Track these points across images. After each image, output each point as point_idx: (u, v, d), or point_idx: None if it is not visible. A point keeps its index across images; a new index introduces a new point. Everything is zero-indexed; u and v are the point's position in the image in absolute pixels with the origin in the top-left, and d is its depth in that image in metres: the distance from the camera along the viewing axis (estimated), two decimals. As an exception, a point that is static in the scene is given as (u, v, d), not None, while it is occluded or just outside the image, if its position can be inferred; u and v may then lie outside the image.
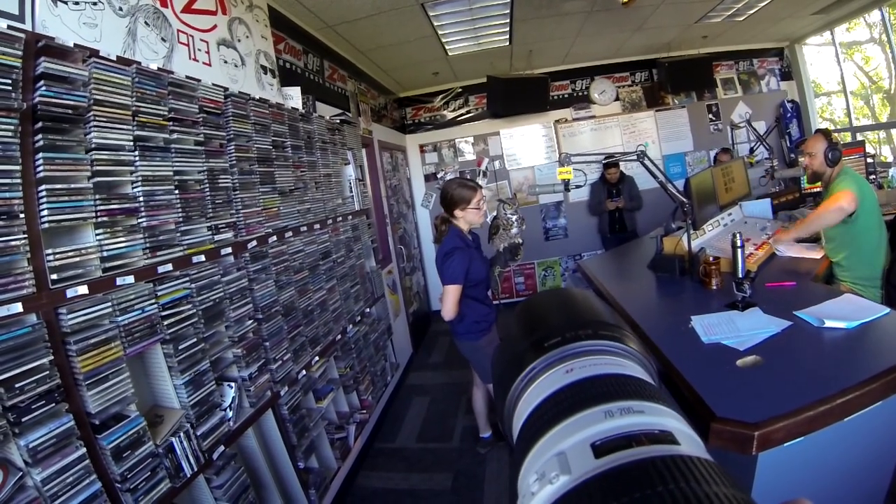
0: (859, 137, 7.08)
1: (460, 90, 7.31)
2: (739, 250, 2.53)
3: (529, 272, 7.43)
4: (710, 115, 7.57)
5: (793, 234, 3.14)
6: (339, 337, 3.25)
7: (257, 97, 2.70)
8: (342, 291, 3.36)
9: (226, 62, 2.68)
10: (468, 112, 7.38)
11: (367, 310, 3.82)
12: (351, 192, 3.89)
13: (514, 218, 3.09)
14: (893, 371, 1.59)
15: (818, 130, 3.23)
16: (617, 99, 7.49)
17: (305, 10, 3.74)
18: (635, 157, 3.23)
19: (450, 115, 7.41)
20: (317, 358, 2.92)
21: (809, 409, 1.47)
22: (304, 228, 3.01)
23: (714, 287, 2.79)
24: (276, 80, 3.20)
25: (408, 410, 4.45)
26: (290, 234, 2.82)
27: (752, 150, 6.17)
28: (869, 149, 7.84)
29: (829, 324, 2.01)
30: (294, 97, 3.28)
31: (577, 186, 3.25)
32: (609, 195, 6.27)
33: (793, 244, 3.42)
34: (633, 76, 7.53)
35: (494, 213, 3.20)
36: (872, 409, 1.54)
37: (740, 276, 2.49)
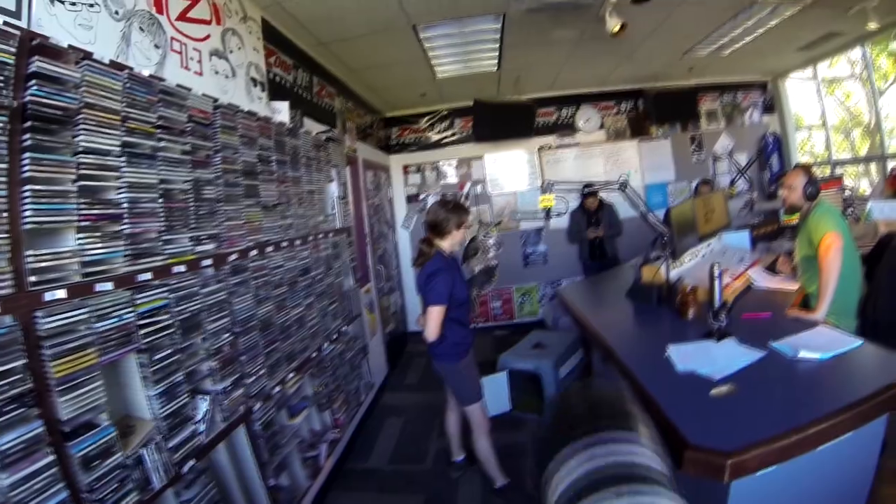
0: (839, 171, 7.41)
1: (446, 112, 7.40)
2: (717, 281, 2.58)
3: (507, 297, 7.42)
4: (693, 146, 7.76)
5: (823, 307, 2.78)
6: (314, 354, 3.25)
7: (246, 109, 2.73)
8: (320, 308, 3.37)
9: (217, 72, 2.71)
10: (453, 135, 7.47)
11: (344, 328, 3.82)
12: (333, 209, 3.91)
13: (491, 242, 3.16)
14: (865, 402, 1.65)
15: (798, 165, 3.33)
16: (601, 127, 7.63)
17: (299, 25, 3.79)
18: (617, 187, 3.31)
19: (435, 137, 7.49)
20: (292, 374, 2.91)
21: (782, 438, 1.52)
22: (286, 244, 3.02)
23: (691, 316, 2.85)
24: (266, 93, 3.24)
25: (381, 430, 4.42)
26: (271, 248, 2.83)
27: (732, 182, 6.36)
28: (848, 181, 8.13)
29: (802, 355, 2.06)
30: (282, 111, 3.31)
31: (559, 214, 3.33)
32: (588, 223, 6.23)
33: (768, 275, 3.53)
34: (619, 105, 7.69)
35: (471, 237, 3.26)
36: (844, 439, 1.60)
37: (717, 306, 2.53)
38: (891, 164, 6.34)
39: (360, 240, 5.38)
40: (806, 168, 3.21)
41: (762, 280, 3.45)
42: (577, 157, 7.49)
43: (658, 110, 7.32)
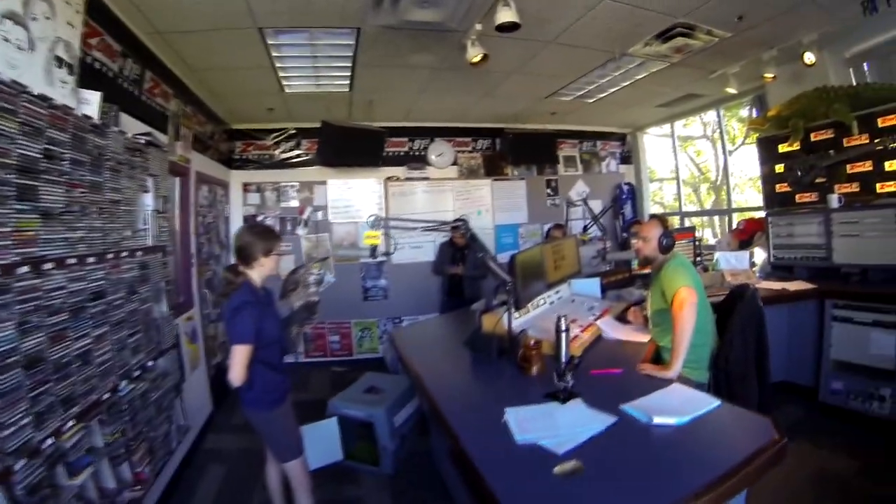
0: (687, 221, 8.36)
1: (294, 131, 7.06)
2: (563, 334, 2.47)
3: (346, 331, 7.19)
4: (549, 190, 8.11)
5: (677, 364, 2.71)
6: (107, 396, 2.71)
7: (37, 93, 2.24)
8: (116, 340, 2.85)
9: (6, 40, 2.18)
10: (298, 156, 7.14)
11: (150, 363, 3.29)
12: (146, 224, 3.41)
13: (311, 278, 2.98)
14: (728, 478, 1.57)
15: (654, 216, 3.42)
16: (455, 163, 7.70)
17: (135, 7, 3.35)
18: (450, 228, 3.26)
19: (280, 157, 7.10)
20: (72, 422, 2.39)
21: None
22: (74, 261, 2.51)
23: (534, 373, 2.67)
24: (74, 77, 2.70)
25: (200, 482, 3.93)
26: (50, 265, 2.32)
27: (585, 228, 6.54)
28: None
29: (657, 420, 1.95)
30: (92, 102, 2.80)
31: (386, 254, 3.13)
32: (453, 258, 6.08)
33: (618, 326, 3.48)
34: (476, 143, 7.86)
35: (292, 269, 3.06)
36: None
37: (564, 362, 2.42)
38: (735, 218, 7.06)
39: (185, 260, 4.83)
40: (661, 219, 3.24)
41: (612, 331, 3.38)
42: (425, 191, 7.51)
43: (515, 151, 7.60)
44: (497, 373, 2.85)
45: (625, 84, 5.85)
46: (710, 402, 2.11)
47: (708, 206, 10.40)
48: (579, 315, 3.62)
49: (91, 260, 2.67)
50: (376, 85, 5.47)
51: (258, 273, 2.80)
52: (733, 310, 3.16)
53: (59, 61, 2.56)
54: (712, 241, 8.39)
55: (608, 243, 5.35)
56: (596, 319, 3.51)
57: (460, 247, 6.00)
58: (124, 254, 3.06)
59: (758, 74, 5.18)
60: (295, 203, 7.09)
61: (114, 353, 2.82)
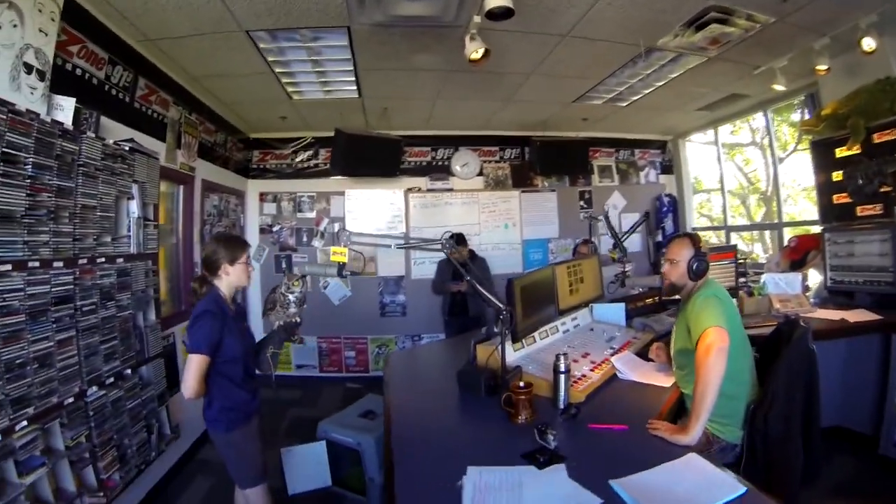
0: (734, 237, 7.69)
1: (311, 140, 7.23)
2: (562, 376, 2.29)
3: (362, 347, 7.25)
4: (582, 202, 7.84)
5: (696, 427, 2.15)
6: (70, 401, 2.84)
7: (-5, 98, 2.39)
8: (85, 346, 2.97)
9: None
10: (316, 165, 7.30)
11: (127, 371, 3.42)
12: (129, 231, 3.56)
13: (291, 297, 2.93)
14: None
15: (685, 234, 2.95)
16: (481, 174, 7.62)
17: (120, 14, 3.50)
18: (439, 248, 3.08)
19: (297, 166, 7.29)
20: (24, 423, 2.51)
21: None
22: (36, 264, 2.65)
23: (521, 421, 2.29)
24: (44, 83, 2.87)
25: (183, 494, 4.03)
26: (7, 266, 2.46)
27: (615, 245, 5.70)
28: (743, 246, 8.42)
29: None
30: (66, 108, 2.97)
31: (354, 273, 2.99)
32: (454, 275, 5.97)
33: (638, 363, 3.06)
34: (503, 152, 7.74)
35: (273, 287, 3.05)
36: None
37: (561, 408, 2.26)
38: (787, 233, 6.45)
39: (187, 270, 5.01)
40: (693, 238, 2.75)
41: (629, 370, 2.94)
42: (448, 203, 7.47)
43: (543, 160, 7.34)
44: (480, 416, 2.51)
45: (659, 84, 5.56)
46: (732, 489, 1.65)
47: (758, 219, 9.95)
48: (594, 348, 3.27)
49: (58, 264, 2.82)
50: (385, 91, 5.51)
51: (225, 283, 2.77)
52: (779, 351, 2.61)
53: (28, 67, 2.73)
54: (763, 259, 7.88)
55: (628, 265, 4.88)
56: (613, 354, 3.14)
57: (462, 263, 5.90)
58: (101, 260, 3.20)
59: (809, 68, 4.65)
60: (311, 214, 7.23)
61: (80, 358, 2.94)
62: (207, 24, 3.71)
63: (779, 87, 5.06)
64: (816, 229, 5.29)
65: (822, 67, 4.53)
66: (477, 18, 3.46)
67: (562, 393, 2.33)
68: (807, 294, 4.69)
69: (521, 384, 2.36)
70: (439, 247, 3.08)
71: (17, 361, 2.49)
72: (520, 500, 1.63)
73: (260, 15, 3.60)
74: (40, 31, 2.82)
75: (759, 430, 2.41)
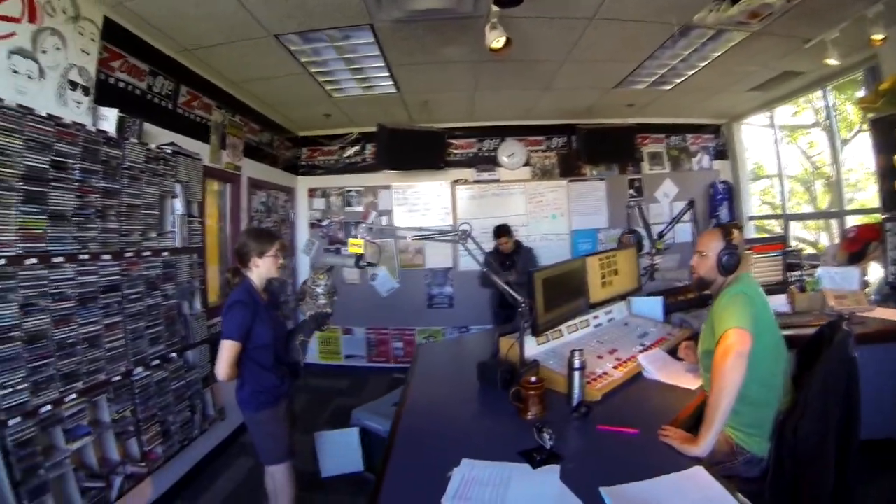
0: (794, 226, 7.19)
1: (358, 136, 7.55)
2: (576, 373, 2.27)
3: (409, 338, 7.53)
4: (632, 191, 7.70)
5: (708, 438, 1.98)
6: (116, 378, 3.27)
7: (45, 113, 2.80)
8: (131, 330, 3.40)
9: (16, 72, 2.78)
10: (363, 160, 7.60)
11: (172, 354, 3.84)
12: (173, 227, 3.97)
13: (318, 289, 3.12)
14: None
15: (718, 225, 2.80)
16: (527, 164, 7.68)
17: (154, 28, 3.87)
18: (455, 238, 3.03)
19: (345, 162, 7.63)
20: (74, 396, 2.93)
21: None
22: (86, 257, 3.07)
23: (530, 417, 2.27)
24: (89, 98, 3.31)
25: (224, 473, 4.40)
26: (60, 259, 2.88)
27: (661, 235, 5.47)
28: (807, 236, 7.88)
29: None
30: (109, 118, 3.40)
31: (371, 264, 3.08)
32: (502, 266, 5.90)
33: (667, 362, 2.94)
34: (550, 141, 7.73)
35: (305, 278, 3.24)
36: None
37: (574, 405, 2.25)
38: (849, 221, 6.06)
39: (234, 263, 5.41)
40: (726, 230, 2.57)
41: (655, 369, 2.81)
42: (495, 194, 7.56)
43: (590, 148, 7.24)
44: (493, 409, 2.52)
45: (702, 65, 5.37)
46: None
47: (825, 206, 9.39)
48: (623, 344, 3.20)
49: (108, 257, 3.24)
50: (421, 84, 5.71)
51: (256, 275, 3.05)
52: (818, 355, 2.36)
53: (73, 84, 3.16)
54: (828, 245, 7.36)
55: (657, 258, 4.73)
56: (642, 352, 3.05)
57: (508, 253, 6.08)
58: (146, 253, 3.63)
59: (864, 39, 4.23)
60: (360, 208, 7.57)
61: (127, 341, 3.37)
62: (237, 32, 4.03)
63: (832, 62, 4.66)
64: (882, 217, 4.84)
65: (877, 37, 4.17)
66: (496, 7, 3.49)
67: (576, 390, 2.31)
68: (866, 290, 4.32)
69: (533, 379, 2.37)
70: (455, 238, 3.06)
71: (69, 341, 2.91)
72: (503, 497, 1.62)
73: (282, 19, 3.87)
74: (82, 51, 3.26)
75: (788, 443, 2.21)
